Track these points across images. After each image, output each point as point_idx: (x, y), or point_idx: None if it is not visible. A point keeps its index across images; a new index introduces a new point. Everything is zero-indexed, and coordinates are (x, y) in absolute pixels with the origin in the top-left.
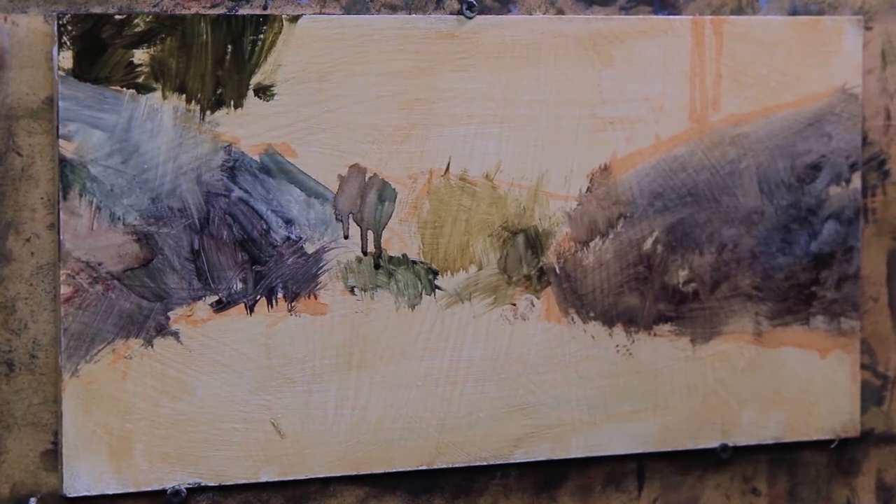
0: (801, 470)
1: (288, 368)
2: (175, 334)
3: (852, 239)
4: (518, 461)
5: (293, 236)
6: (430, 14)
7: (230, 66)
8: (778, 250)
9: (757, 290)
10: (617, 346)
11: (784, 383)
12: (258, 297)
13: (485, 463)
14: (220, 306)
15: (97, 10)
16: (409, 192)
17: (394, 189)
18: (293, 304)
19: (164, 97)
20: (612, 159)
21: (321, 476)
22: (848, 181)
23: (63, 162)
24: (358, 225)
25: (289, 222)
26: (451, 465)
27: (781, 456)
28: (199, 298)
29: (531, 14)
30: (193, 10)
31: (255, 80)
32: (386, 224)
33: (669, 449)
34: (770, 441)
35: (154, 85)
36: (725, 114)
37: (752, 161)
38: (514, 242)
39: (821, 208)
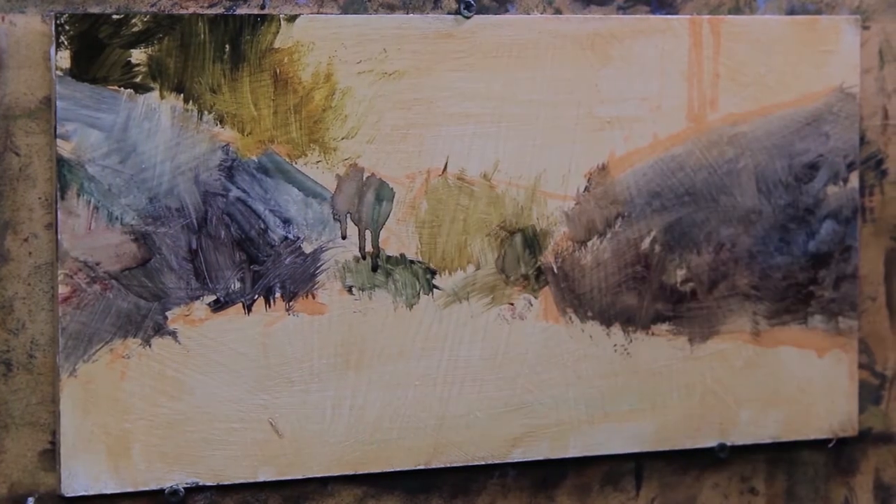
0: (799, 469)
1: (286, 368)
2: (173, 334)
3: (850, 238)
4: (516, 461)
5: (291, 236)
6: (427, 14)
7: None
8: (776, 250)
9: (755, 290)
10: (615, 345)
11: (782, 383)
12: (256, 296)
13: (483, 462)
14: (217, 306)
15: (95, 9)
16: (407, 192)
17: (391, 189)
18: (291, 303)
19: (162, 97)
20: (609, 159)
21: (319, 476)
22: (846, 180)
23: (61, 162)
24: (356, 224)
25: (287, 222)
26: (448, 465)
27: (779, 455)
28: (197, 298)
29: (529, 13)
30: (191, 10)
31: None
32: (384, 224)
33: (667, 448)
34: (768, 440)
35: (152, 84)
36: (723, 113)
37: (749, 160)
38: (511, 242)
39: (818, 208)
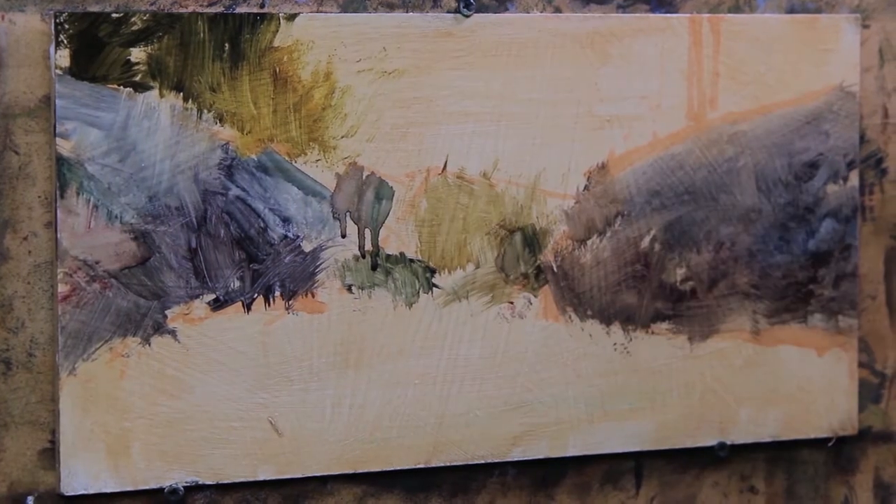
0: (799, 468)
1: (285, 367)
2: (172, 333)
3: (850, 237)
4: (515, 459)
5: (291, 235)
6: (427, 12)
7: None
8: (775, 248)
9: (755, 289)
10: (614, 344)
11: (782, 381)
12: (255, 295)
13: (482, 461)
14: (217, 305)
15: (94, 8)
16: (407, 191)
17: (391, 187)
18: (290, 302)
19: (162, 95)
20: (609, 157)
21: (319, 474)
22: (845, 179)
23: (60, 160)
24: (355, 223)
25: (286, 221)
26: (448, 464)
27: (779, 454)
28: (197, 297)
29: (528, 12)
30: (191, 9)
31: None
32: (383, 222)
33: (667, 447)
34: (768, 439)
35: (151, 83)
36: (723, 112)
37: (749, 159)
38: (511, 241)
39: (818, 206)
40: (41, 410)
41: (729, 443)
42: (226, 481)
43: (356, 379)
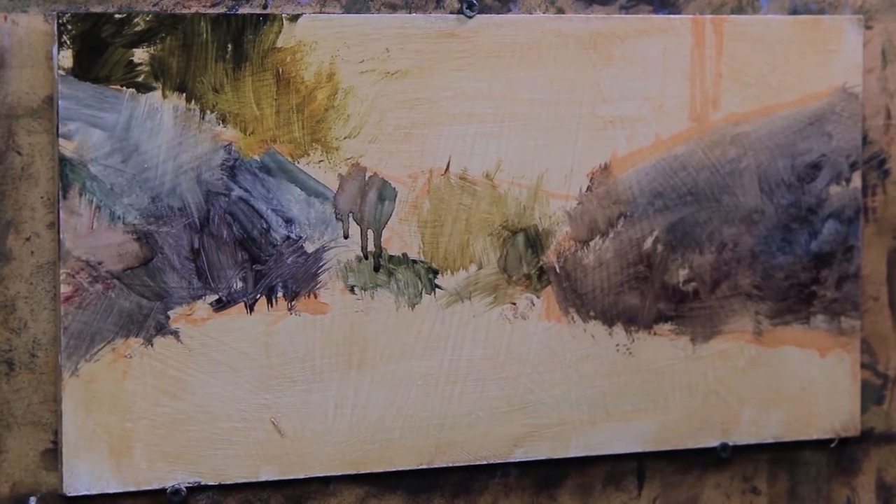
0: (802, 469)
1: (288, 367)
2: (175, 333)
3: (852, 238)
4: (518, 460)
5: (293, 235)
6: (430, 13)
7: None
8: (778, 249)
9: (757, 290)
10: (617, 345)
11: (784, 382)
12: (258, 296)
13: (485, 462)
14: (219, 305)
15: (97, 9)
16: (410, 192)
17: (394, 188)
18: (293, 303)
19: (164, 96)
20: (612, 158)
21: (321, 475)
22: (848, 180)
23: (63, 161)
24: (358, 224)
25: (289, 221)
26: (451, 465)
27: (781, 455)
28: (199, 297)
29: (531, 13)
30: (193, 10)
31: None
32: (386, 223)
33: (669, 448)
34: (770, 440)
35: (154, 84)
36: (726, 113)
37: (752, 160)
38: (514, 241)
39: (821, 207)
40: (43, 411)
41: (731, 444)
42: (228, 482)
43: (359, 380)
